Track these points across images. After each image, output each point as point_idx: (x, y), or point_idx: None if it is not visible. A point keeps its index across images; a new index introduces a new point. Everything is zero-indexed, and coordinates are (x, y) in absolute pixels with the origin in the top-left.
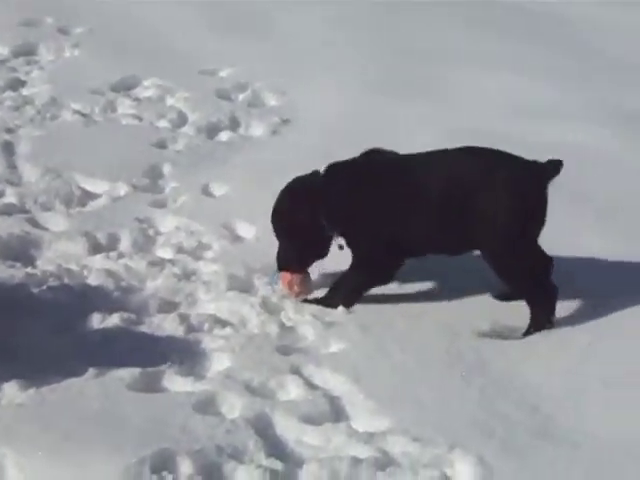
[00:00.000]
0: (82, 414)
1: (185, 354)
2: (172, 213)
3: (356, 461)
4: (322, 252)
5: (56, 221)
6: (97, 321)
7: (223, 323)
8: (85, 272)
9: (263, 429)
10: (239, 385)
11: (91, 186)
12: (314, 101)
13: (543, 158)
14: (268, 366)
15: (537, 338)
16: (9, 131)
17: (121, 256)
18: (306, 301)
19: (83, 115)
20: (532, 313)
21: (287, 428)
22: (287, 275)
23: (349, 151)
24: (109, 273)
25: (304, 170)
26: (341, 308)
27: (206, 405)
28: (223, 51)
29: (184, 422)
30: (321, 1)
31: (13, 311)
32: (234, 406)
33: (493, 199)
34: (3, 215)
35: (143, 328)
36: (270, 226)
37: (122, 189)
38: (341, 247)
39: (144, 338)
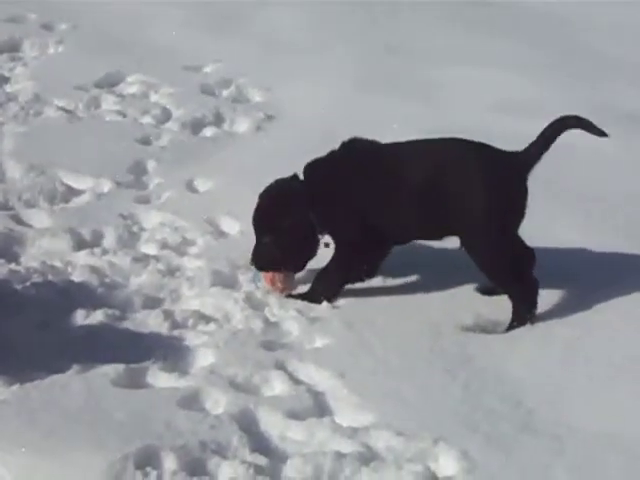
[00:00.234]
0: (66, 410)
1: (169, 350)
2: (156, 209)
3: (340, 456)
4: (314, 252)
5: (40, 218)
6: (81, 317)
7: (207, 319)
8: (69, 268)
9: (247, 424)
10: (223, 381)
11: (75, 182)
12: (299, 97)
13: None
14: (252, 362)
15: (521, 332)
16: None
17: (105, 252)
18: (290, 296)
19: (67, 111)
20: (514, 307)
21: (271, 423)
22: (269, 273)
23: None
24: (93, 269)
25: (289, 166)
26: (325, 303)
27: (190, 401)
28: (207, 47)
29: (168, 418)
30: None
31: None
32: (218, 402)
33: (471, 188)
34: None
35: (127, 324)
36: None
37: (106, 185)
38: (327, 245)
39: (128, 334)
